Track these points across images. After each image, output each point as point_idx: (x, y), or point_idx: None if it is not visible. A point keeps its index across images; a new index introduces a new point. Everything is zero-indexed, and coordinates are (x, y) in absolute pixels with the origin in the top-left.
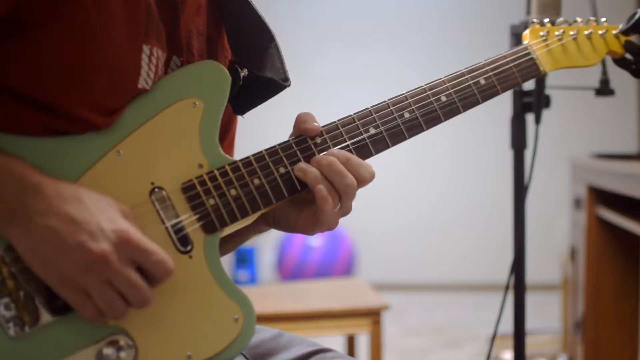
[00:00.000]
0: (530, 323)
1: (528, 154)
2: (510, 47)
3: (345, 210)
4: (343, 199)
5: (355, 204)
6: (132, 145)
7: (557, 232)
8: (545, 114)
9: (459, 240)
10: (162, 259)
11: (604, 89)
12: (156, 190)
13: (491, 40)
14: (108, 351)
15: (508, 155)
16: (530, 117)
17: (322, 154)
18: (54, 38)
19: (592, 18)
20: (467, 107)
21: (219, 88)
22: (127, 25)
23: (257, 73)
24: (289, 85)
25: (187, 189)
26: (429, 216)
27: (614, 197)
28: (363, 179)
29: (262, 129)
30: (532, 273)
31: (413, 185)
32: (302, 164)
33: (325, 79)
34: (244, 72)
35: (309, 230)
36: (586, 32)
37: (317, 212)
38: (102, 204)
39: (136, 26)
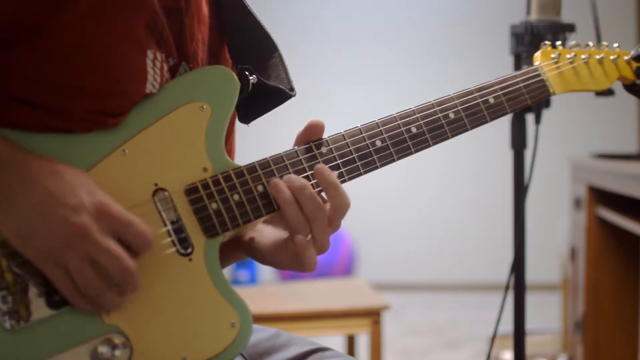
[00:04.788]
0: (530, 323)
1: (528, 154)
2: (510, 47)
3: (320, 246)
4: (312, 227)
5: (355, 203)
6: (138, 145)
7: (557, 232)
8: (545, 114)
9: (459, 240)
10: (142, 230)
11: (604, 90)
12: (159, 191)
13: (491, 40)
14: (103, 349)
15: (508, 155)
16: (530, 117)
17: (300, 175)
18: (49, 47)
19: (604, 43)
20: (474, 125)
21: (227, 93)
22: (129, 31)
23: (266, 81)
24: (294, 95)
25: (190, 191)
26: (429, 216)
27: (614, 197)
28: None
29: (260, 128)
30: (532, 273)
31: (413, 185)
32: (277, 181)
33: (325, 78)
34: (253, 79)
35: (282, 265)
36: (598, 57)
37: (289, 245)
38: (80, 178)
39: (138, 32)
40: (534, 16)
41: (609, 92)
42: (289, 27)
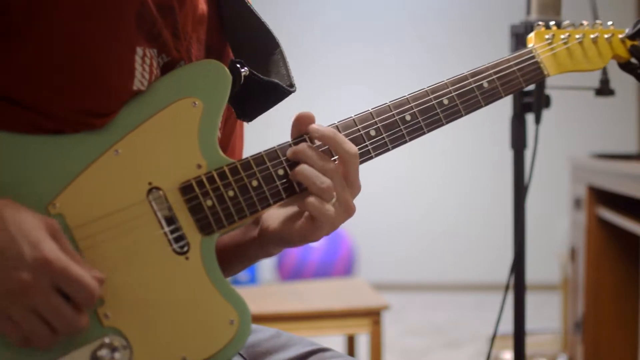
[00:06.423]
0: (530, 323)
1: (528, 154)
2: (511, 47)
3: (346, 207)
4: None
5: (355, 204)
6: (131, 144)
7: (557, 232)
8: (545, 114)
9: (459, 240)
10: (84, 284)
11: (604, 89)
12: (154, 190)
13: (491, 40)
14: (103, 352)
15: (508, 155)
16: (530, 117)
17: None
18: (34, 46)
19: (598, 21)
20: (469, 110)
21: (219, 87)
22: (116, 29)
23: (261, 76)
24: (294, 91)
25: (185, 189)
26: (429, 216)
27: (614, 197)
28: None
29: (259, 127)
30: (532, 273)
31: (413, 185)
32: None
33: (325, 78)
34: (244, 71)
35: (312, 235)
36: (592, 36)
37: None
38: (25, 225)
39: (127, 29)
40: (534, 16)
41: (609, 92)
42: (289, 26)
